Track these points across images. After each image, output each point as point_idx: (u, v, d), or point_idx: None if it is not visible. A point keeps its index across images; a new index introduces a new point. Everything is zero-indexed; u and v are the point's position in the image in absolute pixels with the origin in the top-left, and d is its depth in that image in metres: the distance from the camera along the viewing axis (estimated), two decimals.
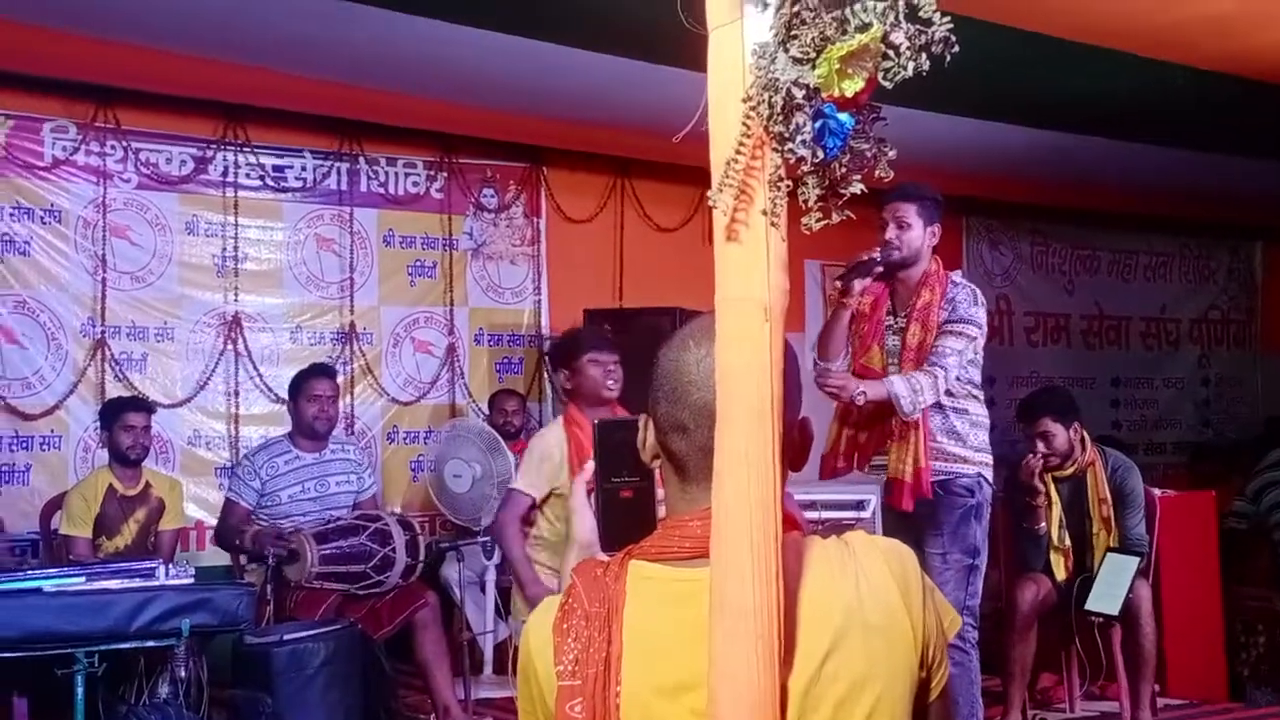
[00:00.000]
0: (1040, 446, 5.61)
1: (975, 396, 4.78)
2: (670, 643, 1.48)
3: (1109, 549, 5.56)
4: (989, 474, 4.76)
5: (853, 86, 1.38)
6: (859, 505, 6.43)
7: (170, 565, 4.88)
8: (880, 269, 4.68)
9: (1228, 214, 10.36)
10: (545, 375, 8.02)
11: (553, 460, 4.71)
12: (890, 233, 4.69)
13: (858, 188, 1.45)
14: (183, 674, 4.71)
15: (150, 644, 4.69)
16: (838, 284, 4.75)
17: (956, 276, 4.81)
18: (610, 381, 4.74)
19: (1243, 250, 11.53)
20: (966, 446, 4.72)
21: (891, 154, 1.46)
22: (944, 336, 4.65)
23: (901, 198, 4.66)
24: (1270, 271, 11.63)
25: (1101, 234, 10.49)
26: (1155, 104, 7.29)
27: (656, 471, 1.65)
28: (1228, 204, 9.85)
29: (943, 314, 4.67)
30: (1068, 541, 5.66)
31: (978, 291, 4.81)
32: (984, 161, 7.98)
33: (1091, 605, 5.48)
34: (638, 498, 1.73)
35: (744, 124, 1.40)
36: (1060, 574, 5.66)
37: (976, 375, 4.77)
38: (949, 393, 4.64)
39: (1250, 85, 7.04)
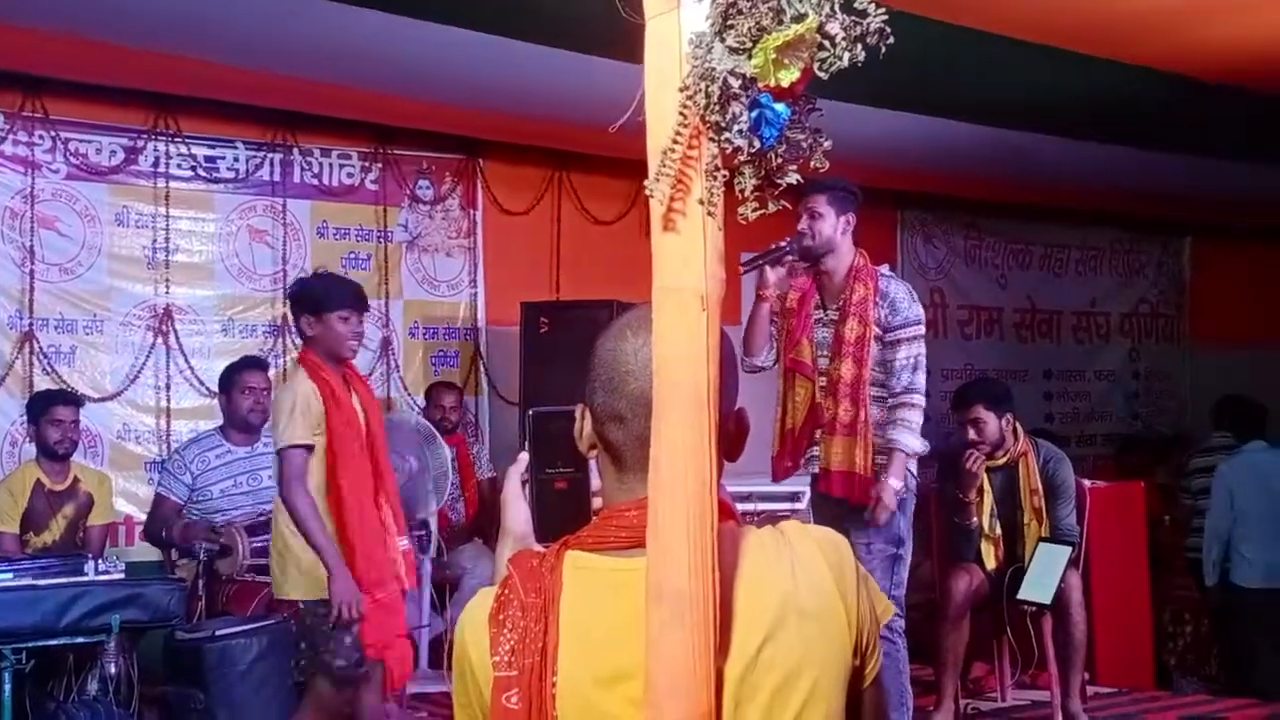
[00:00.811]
0: (971, 433, 5.67)
1: None
2: (607, 632, 1.48)
3: (1041, 539, 5.63)
4: (914, 467, 4.84)
5: (789, 76, 1.39)
6: (793, 497, 6.48)
7: (100, 560, 4.82)
8: (791, 258, 4.75)
9: (1158, 210, 10.51)
10: (481, 368, 7.99)
11: (313, 409, 4.48)
12: (802, 224, 4.77)
13: (794, 178, 1.45)
14: (112, 670, 4.65)
15: (79, 640, 4.63)
16: (742, 269, 4.78)
17: (886, 270, 4.89)
18: (353, 342, 4.62)
19: (1172, 245, 11.69)
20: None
21: (827, 144, 1.47)
22: (896, 347, 4.75)
23: (812, 189, 4.73)
24: (1198, 267, 11.80)
25: (1034, 228, 10.60)
26: (1090, 100, 7.37)
27: (592, 462, 1.65)
28: (1159, 200, 9.99)
29: (881, 311, 4.74)
30: (999, 530, 5.73)
31: (911, 287, 4.91)
32: (920, 156, 8.04)
33: (1024, 594, 5.55)
34: (572, 489, 1.73)
35: (680, 113, 1.40)
36: (991, 563, 5.73)
37: None
38: (886, 387, 4.74)
39: (1183, 82, 7.15)
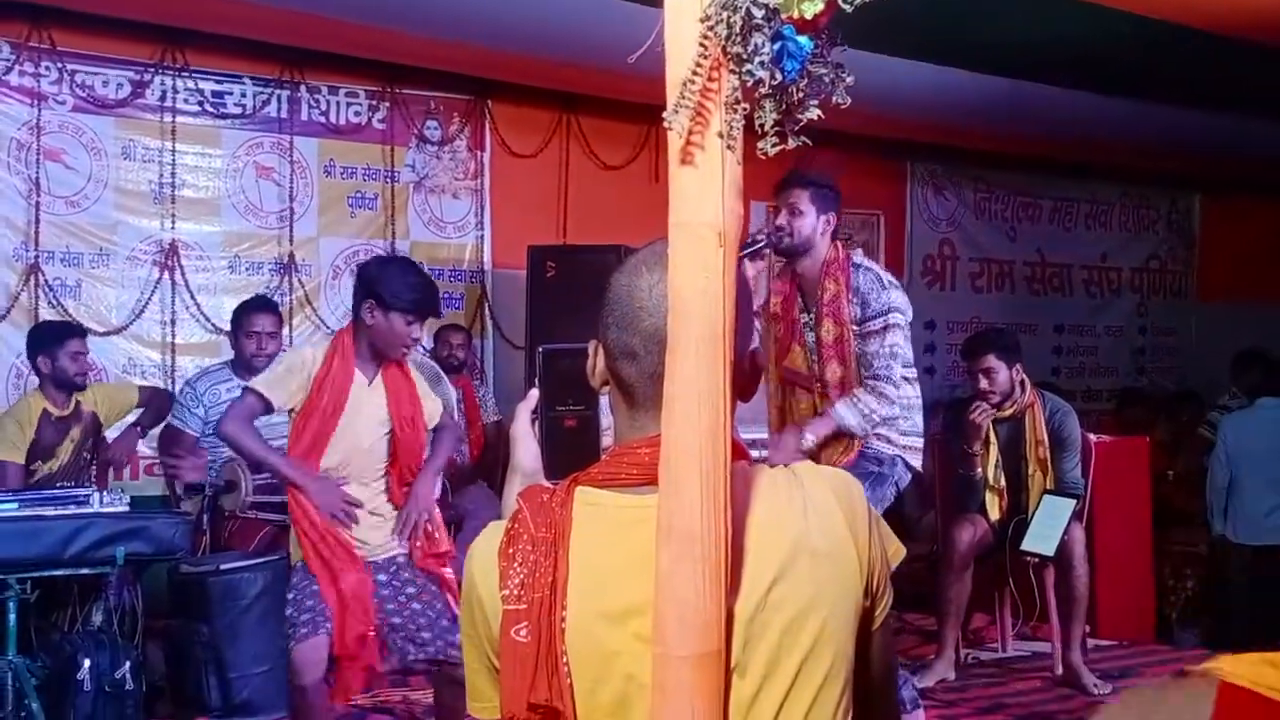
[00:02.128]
0: (982, 382, 5.65)
1: (908, 380, 4.62)
2: (616, 568, 1.48)
3: (1045, 491, 5.63)
4: (913, 459, 4.65)
5: (812, 8, 1.37)
6: None
7: (105, 493, 4.83)
8: (768, 251, 4.60)
9: (1168, 165, 10.45)
10: (487, 310, 7.97)
11: (299, 376, 4.27)
12: (782, 218, 4.57)
13: (814, 113, 1.43)
14: (116, 602, 4.67)
15: (84, 571, 4.65)
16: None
17: (857, 258, 4.66)
18: (404, 348, 4.33)
19: (1182, 201, 11.64)
20: (894, 429, 4.60)
21: (849, 80, 1.44)
22: (869, 339, 4.52)
23: (796, 183, 4.55)
24: (1207, 223, 11.76)
25: (1043, 181, 10.55)
26: (1101, 52, 7.31)
27: (603, 399, 1.64)
28: (1169, 155, 9.93)
29: (854, 307, 4.55)
30: (1003, 482, 5.73)
31: (883, 273, 4.66)
32: (930, 107, 7.98)
33: (1027, 545, 5.56)
34: (581, 426, 1.72)
35: (701, 44, 1.38)
36: (994, 514, 5.73)
37: (909, 356, 4.64)
38: (883, 378, 4.51)
39: (1196, 36, 7.07)
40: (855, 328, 4.53)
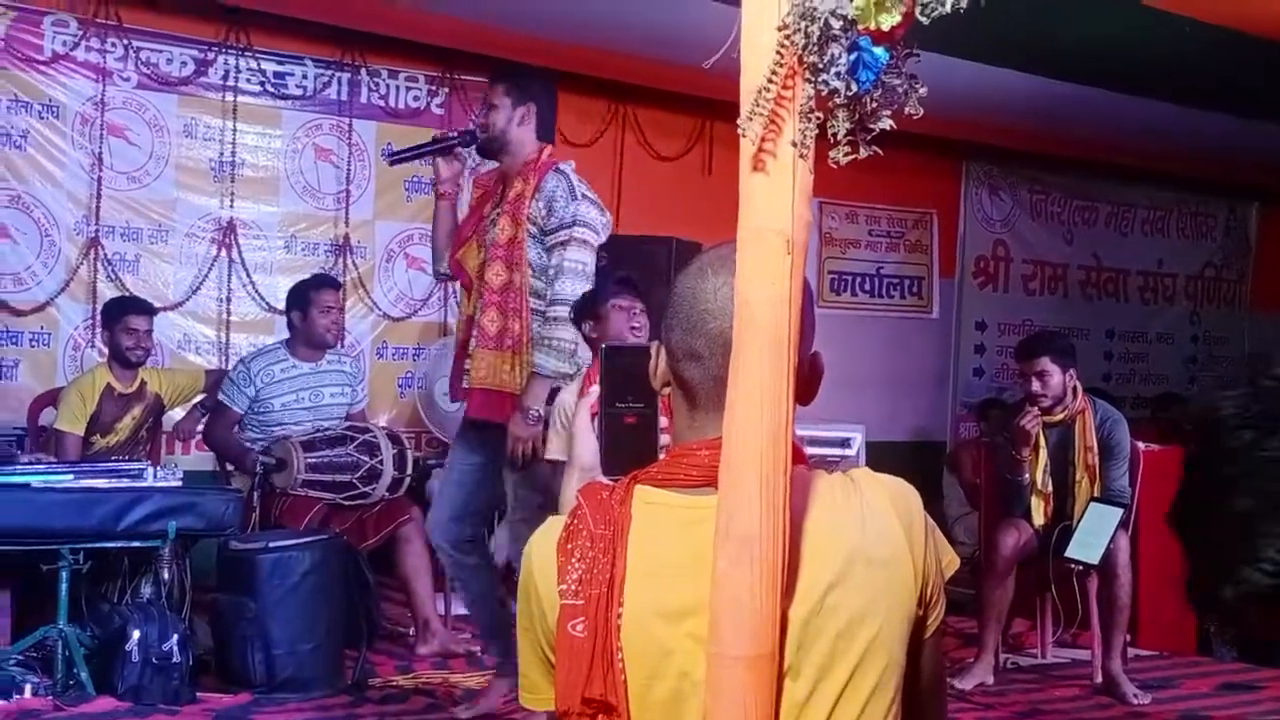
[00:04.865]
0: (1034, 385, 5.59)
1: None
2: (674, 568, 1.49)
3: (1092, 499, 5.59)
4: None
5: (890, 20, 1.38)
6: (844, 443, 6.47)
7: (158, 467, 4.91)
8: (463, 150, 4.46)
9: (1227, 173, 10.34)
10: None
11: (561, 421, 4.25)
12: (480, 114, 4.42)
13: (887, 124, 1.44)
14: (166, 576, 4.75)
15: (136, 544, 4.73)
16: (388, 159, 4.53)
17: (565, 166, 4.38)
18: (634, 324, 4.36)
19: (1239, 209, 11.52)
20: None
21: (922, 91, 1.45)
22: (552, 253, 4.23)
23: (493, 79, 4.41)
24: (1264, 233, 11.63)
25: (1100, 185, 10.45)
26: (1162, 57, 7.24)
27: (662, 400, 1.66)
28: (1228, 163, 9.83)
29: (537, 209, 4.27)
30: (1050, 487, 5.69)
31: (580, 184, 4.34)
32: (987, 107, 7.93)
33: (1071, 553, 5.52)
34: (641, 424, 1.74)
35: (778, 52, 1.39)
36: (1039, 519, 5.69)
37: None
38: (560, 301, 4.24)
39: (1259, 43, 7.00)
40: (537, 231, 4.26)
